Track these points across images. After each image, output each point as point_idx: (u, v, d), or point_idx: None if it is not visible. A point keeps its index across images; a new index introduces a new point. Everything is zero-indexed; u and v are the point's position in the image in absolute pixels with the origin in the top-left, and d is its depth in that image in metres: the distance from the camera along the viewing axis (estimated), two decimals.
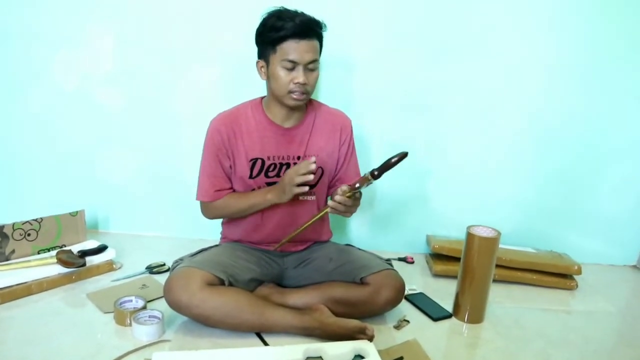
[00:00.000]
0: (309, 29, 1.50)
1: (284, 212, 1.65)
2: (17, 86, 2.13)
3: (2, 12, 2.05)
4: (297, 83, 1.51)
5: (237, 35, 1.93)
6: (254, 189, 1.66)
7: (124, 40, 2.07)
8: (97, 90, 2.12)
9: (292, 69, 1.52)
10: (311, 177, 1.46)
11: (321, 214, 1.58)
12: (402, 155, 1.40)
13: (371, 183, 1.45)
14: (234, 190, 1.70)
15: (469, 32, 2.03)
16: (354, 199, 1.49)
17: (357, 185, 1.46)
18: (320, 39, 1.56)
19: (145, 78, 2.10)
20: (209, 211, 1.72)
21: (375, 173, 1.43)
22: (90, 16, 2.04)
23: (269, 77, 1.57)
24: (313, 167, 1.45)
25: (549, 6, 2.00)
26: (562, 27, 2.02)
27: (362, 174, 1.52)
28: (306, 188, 1.52)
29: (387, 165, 1.41)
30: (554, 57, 2.06)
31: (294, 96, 1.54)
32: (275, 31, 1.49)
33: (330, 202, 1.51)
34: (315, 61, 1.54)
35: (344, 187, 1.49)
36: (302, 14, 1.51)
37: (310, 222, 1.59)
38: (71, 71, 2.10)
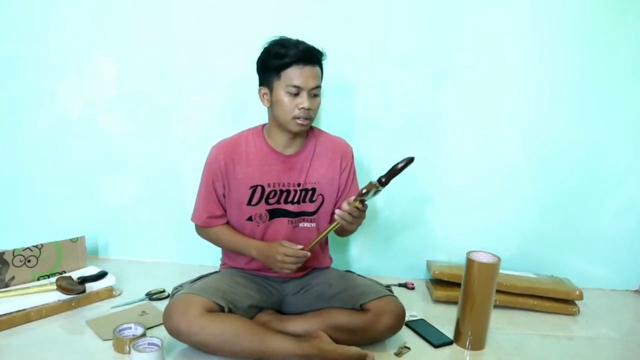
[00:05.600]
0: (312, 55, 1.55)
1: (284, 239, 1.64)
2: (21, 112, 2.15)
3: (8, 40, 2.09)
4: (302, 108, 1.54)
5: (238, 63, 1.95)
6: (250, 218, 1.67)
7: (127, 67, 2.10)
8: (100, 117, 2.14)
9: (296, 95, 1.54)
10: (298, 265, 1.57)
11: (331, 227, 1.57)
12: (409, 160, 1.40)
13: (379, 191, 1.45)
14: (228, 222, 1.73)
15: (468, 58, 2.05)
16: (359, 211, 1.49)
17: (364, 191, 1.45)
18: (321, 66, 1.60)
19: (147, 104, 2.13)
20: (200, 233, 1.78)
21: (383, 180, 1.42)
22: (94, 43, 2.08)
23: (273, 104, 1.59)
24: (303, 259, 1.56)
25: (548, 32, 2.03)
26: (561, 53, 2.05)
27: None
28: (293, 268, 1.57)
29: (393, 171, 1.42)
30: (553, 83, 2.08)
31: (299, 122, 1.56)
32: (279, 58, 1.53)
33: (337, 212, 1.50)
34: (318, 87, 1.57)
35: (350, 198, 1.49)
36: (303, 42, 1.56)
37: (320, 237, 1.60)
38: (75, 97, 2.12)
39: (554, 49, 2.05)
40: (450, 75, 2.07)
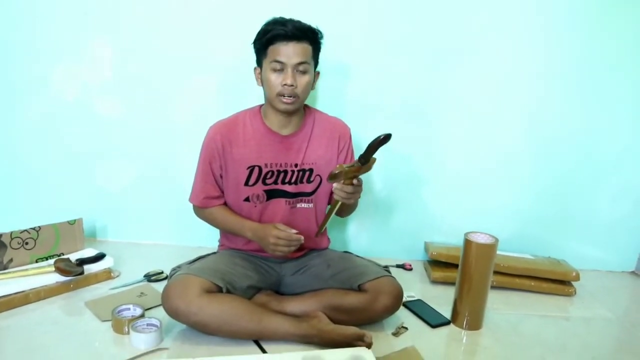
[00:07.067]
0: (299, 31, 1.52)
1: (282, 221, 1.64)
2: (17, 95, 2.13)
3: (3, 24, 2.06)
4: (285, 85, 1.52)
5: (235, 45, 1.94)
6: (247, 198, 1.67)
7: (123, 50, 2.08)
8: (96, 100, 2.13)
9: (281, 71, 1.53)
10: (291, 249, 1.56)
11: (333, 207, 1.57)
12: (386, 136, 1.37)
13: (365, 170, 1.43)
14: (225, 203, 1.72)
15: (465, 41, 2.04)
16: (354, 186, 1.47)
17: (336, 172, 1.44)
18: (313, 44, 1.58)
19: (144, 87, 2.11)
20: (198, 213, 1.78)
21: (362, 160, 1.41)
22: (89, 27, 2.05)
23: (263, 82, 1.60)
24: (297, 244, 1.55)
25: (545, 14, 2.01)
26: (557, 37, 2.04)
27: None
28: (286, 251, 1.57)
29: (370, 149, 1.39)
30: (550, 66, 2.07)
31: (283, 99, 1.55)
32: (266, 34, 1.52)
33: (334, 190, 1.50)
34: (304, 63, 1.54)
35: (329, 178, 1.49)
36: (296, 20, 1.54)
37: (326, 220, 1.61)
38: (71, 81, 2.11)
39: (551, 32, 2.04)
40: (448, 59, 2.06)
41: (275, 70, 1.53)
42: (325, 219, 1.63)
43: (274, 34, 1.51)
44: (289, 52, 1.51)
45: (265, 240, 1.57)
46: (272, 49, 1.53)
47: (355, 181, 1.47)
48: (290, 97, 1.55)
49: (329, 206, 1.70)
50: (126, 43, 2.07)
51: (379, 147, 1.39)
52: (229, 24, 2.01)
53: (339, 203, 1.53)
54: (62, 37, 2.07)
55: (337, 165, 1.48)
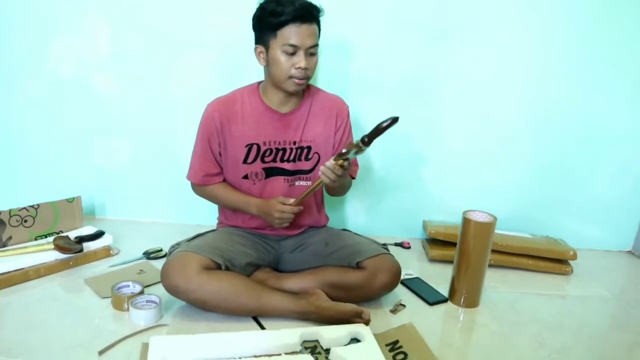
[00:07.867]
0: (309, 13, 1.50)
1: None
2: (13, 73, 2.11)
3: None
4: (299, 68, 1.51)
5: (233, 21, 1.92)
6: (246, 176, 1.67)
7: (120, 26, 2.05)
8: (94, 77, 2.11)
9: (293, 54, 1.51)
10: (291, 217, 1.61)
11: (316, 184, 1.55)
12: (393, 120, 1.34)
13: (362, 151, 1.41)
14: (224, 180, 1.72)
15: (466, 20, 2.02)
16: (343, 169, 1.46)
17: (344, 150, 1.42)
18: (319, 23, 1.56)
19: (141, 64, 2.09)
20: (197, 191, 1.78)
21: (366, 139, 1.38)
22: (86, 1, 2.02)
23: (269, 63, 1.56)
24: (296, 209, 1.60)
25: None
26: (558, 18, 2.02)
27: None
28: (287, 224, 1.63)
29: (377, 131, 1.36)
30: (550, 46, 2.05)
31: (295, 81, 1.54)
32: (276, 16, 1.48)
33: (321, 168, 1.48)
34: (315, 46, 1.54)
35: (332, 157, 1.48)
36: None
37: (305, 194, 1.59)
38: (67, 57, 2.08)
39: (551, 13, 2.01)
40: (449, 37, 2.04)
41: (287, 53, 1.51)
42: (303, 195, 1.60)
43: (287, 18, 1.46)
44: (302, 35, 1.49)
45: (271, 216, 1.60)
46: (283, 31, 1.48)
47: (345, 163, 1.45)
48: (303, 79, 1.54)
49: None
50: (124, 18, 2.04)
51: (386, 130, 1.36)
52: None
53: (320, 182, 1.52)
54: (59, 13, 2.04)
55: (348, 144, 1.46)
